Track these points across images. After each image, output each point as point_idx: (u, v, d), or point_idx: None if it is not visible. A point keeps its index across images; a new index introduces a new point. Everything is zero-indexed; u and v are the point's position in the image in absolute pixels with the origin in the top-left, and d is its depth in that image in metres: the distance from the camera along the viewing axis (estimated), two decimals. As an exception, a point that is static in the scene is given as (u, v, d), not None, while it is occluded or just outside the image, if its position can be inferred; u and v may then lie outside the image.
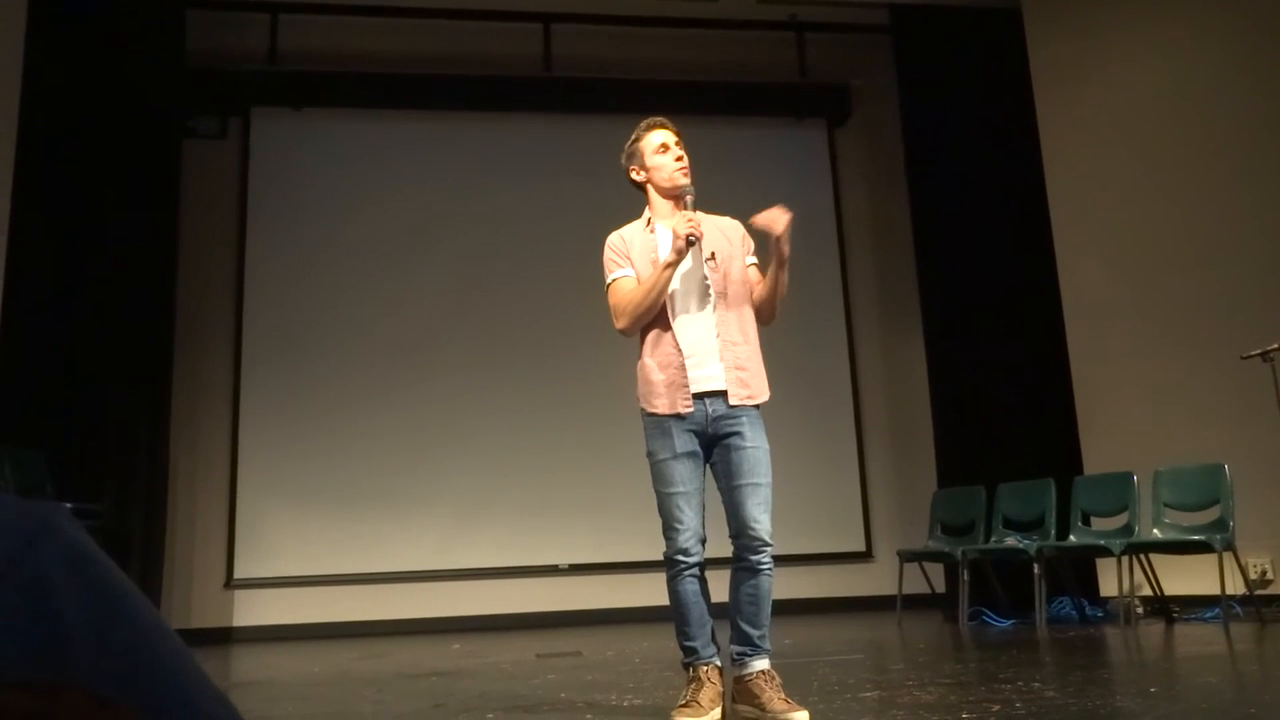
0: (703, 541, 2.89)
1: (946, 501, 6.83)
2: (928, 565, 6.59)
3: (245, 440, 7.36)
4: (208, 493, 7.27)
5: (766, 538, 2.82)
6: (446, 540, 7.38)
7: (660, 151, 3.00)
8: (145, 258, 6.90)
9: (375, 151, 7.94)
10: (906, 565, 6.45)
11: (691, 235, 2.84)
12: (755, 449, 2.86)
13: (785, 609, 7.25)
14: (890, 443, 8.15)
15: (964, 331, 7.46)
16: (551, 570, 7.42)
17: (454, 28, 8.02)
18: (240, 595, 7.15)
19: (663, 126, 3.05)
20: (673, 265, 2.87)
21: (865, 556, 7.87)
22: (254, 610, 7.12)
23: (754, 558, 2.81)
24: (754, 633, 2.83)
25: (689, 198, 2.95)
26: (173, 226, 7.12)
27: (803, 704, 2.73)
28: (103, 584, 0.54)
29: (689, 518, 2.85)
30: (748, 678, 2.81)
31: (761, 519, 2.82)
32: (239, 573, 7.17)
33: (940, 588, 6.71)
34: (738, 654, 2.85)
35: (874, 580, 7.59)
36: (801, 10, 8.28)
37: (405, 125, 8.00)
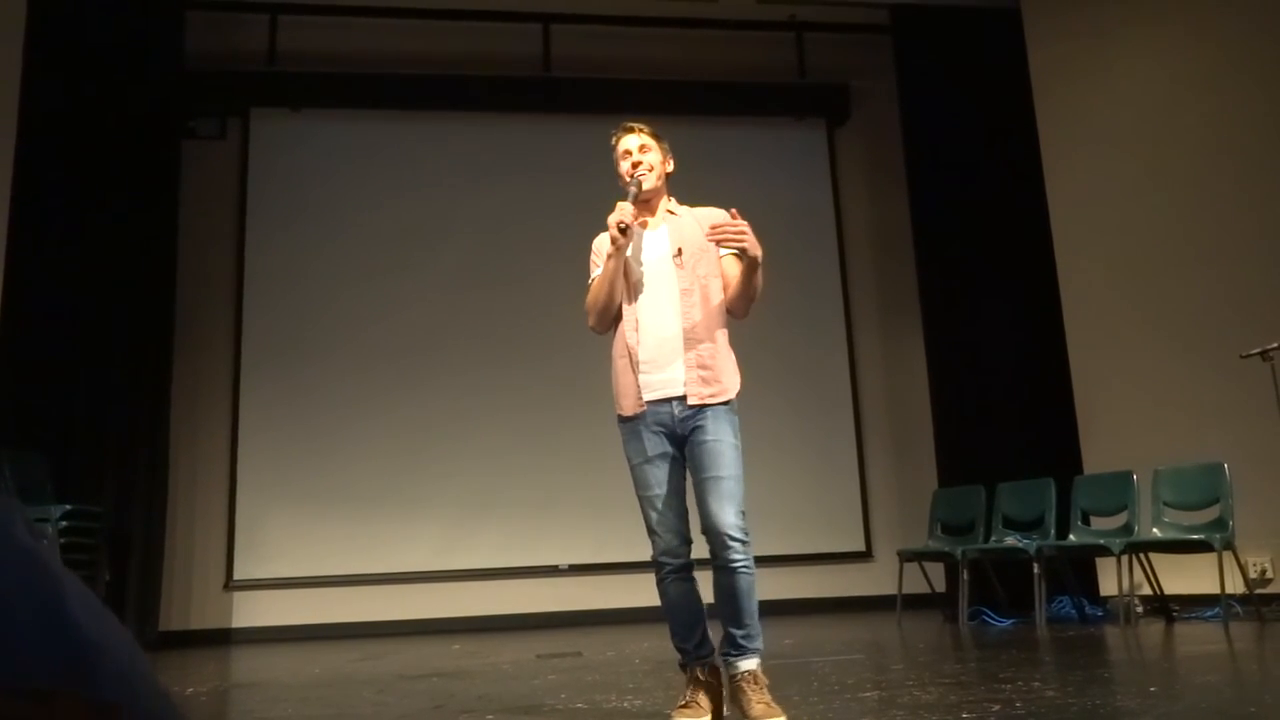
0: (688, 542, 2.86)
1: (946, 501, 6.83)
2: (928, 565, 6.59)
3: (245, 441, 7.35)
4: (207, 494, 7.26)
5: (732, 532, 2.72)
6: (446, 541, 7.37)
7: (623, 158, 3.02)
8: (145, 259, 6.89)
9: (374, 152, 7.94)
10: (906, 565, 6.44)
11: (621, 223, 2.81)
12: (715, 442, 2.78)
13: (785, 609, 7.29)
14: (890, 442, 8.15)
15: (964, 331, 7.47)
16: (551, 571, 7.42)
17: (453, 28, 8.01)
18: (240, 597, 7.15)
19: (627, 131, 3.05)
20: (613, 256, 2.87)
21: (865, 556, 7.86)
22: (254, 612, 7.11)
23: (723, 553, 2.74)
24: (736, 632, 2.77)
25: (633, 189, 2.93)
26: (172, 227, 7.12)
27: (802, 704, 2.73)
28: (54, 590, 0.54)
29: (667, 520, 2.84)
30: (734, 679, 2.77)
31: (722, 514, 2.73)
32: (238, 574, 7.16)
33: (940, 587, 6.71)
34: (723, 654, 2.81)
35: (874, 580, 7.58)
36: (801, 10, 8.28)
37: (404, 126, 7.99)
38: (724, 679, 2.89)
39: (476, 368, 7.64)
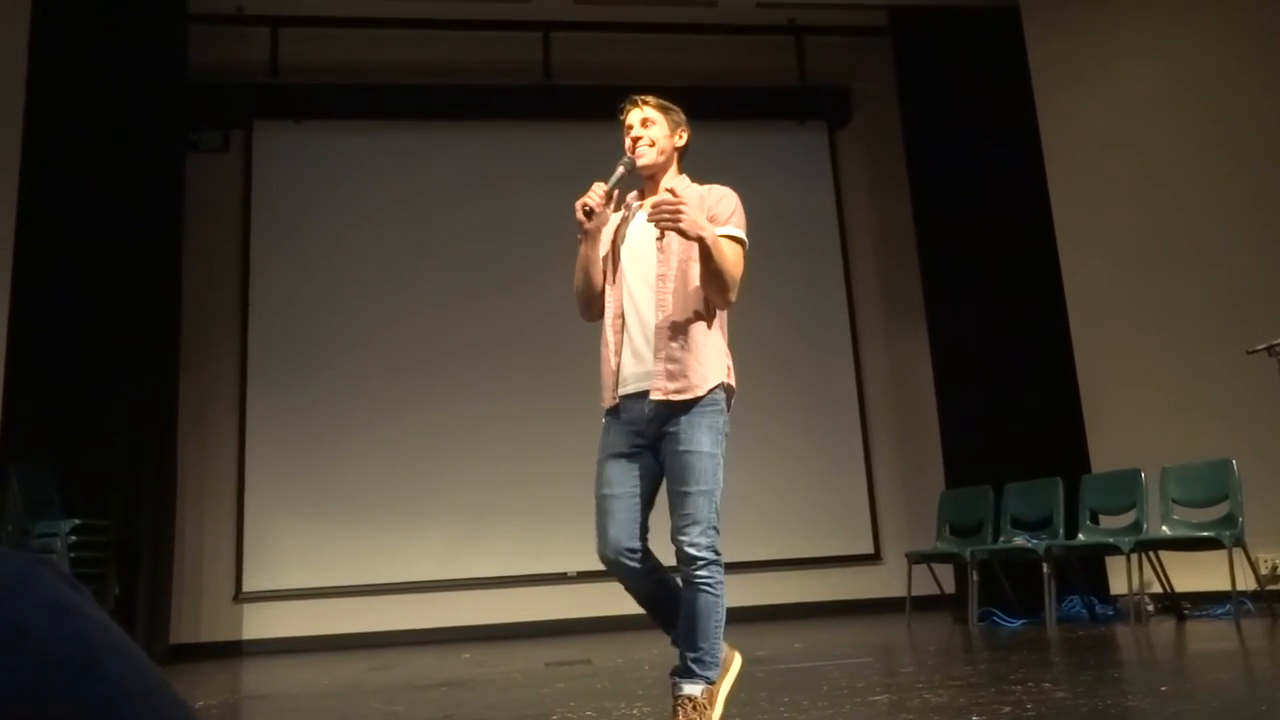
0: (633, 553, 2.61)
1: (954, 502, 6.82)
2: (936, 566, 6.58)
3: (252, 453, 7.37)
4: (216, 506, 7.28)
5: (693, 552, 2.51)
6: (454, 549, 7.38)
7: (626, 132, 2.89)
8: (150, 272, 6.91)
9: (377, 162, 7.96)
10: (915, 566, 6.44)
11: (585, 205, 2.68)
12: (686, 453, 2.55)
13: (793, 612, 7.28)
14: (897, 444, 8.14)
15: (969, 331, 7.45)
16: (560, 578, 7.41)
17: (454, 38, 8.04)
18: (249, 608, 7.15)
19: (632, 105, 2.92)
20: (582, 241, 2.76)
21: (874, 558, 7.85)
22: (263, 623, 7.12)
23: (684, 568, 2.54)
24: (688, 654, 2.56)
25: (620, 168, 2.79)
26: (177, 240, 7.13)
27: (811, 708, 2.71)
28: (85, 638, 0.56)
29: (610, 521, 2.63)
30: (675, 699, 2.57)
31: (688, 531, 2.52)
32: (248, 586, 7.17)
33: (949, 589, 6.70)
34: (670, 674, 2.62)
35: (883, 582, 7.57)
36: (800, 14, 8.29)
37: (406, 136, 8.01)
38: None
39: (482, 375, 7.65)
